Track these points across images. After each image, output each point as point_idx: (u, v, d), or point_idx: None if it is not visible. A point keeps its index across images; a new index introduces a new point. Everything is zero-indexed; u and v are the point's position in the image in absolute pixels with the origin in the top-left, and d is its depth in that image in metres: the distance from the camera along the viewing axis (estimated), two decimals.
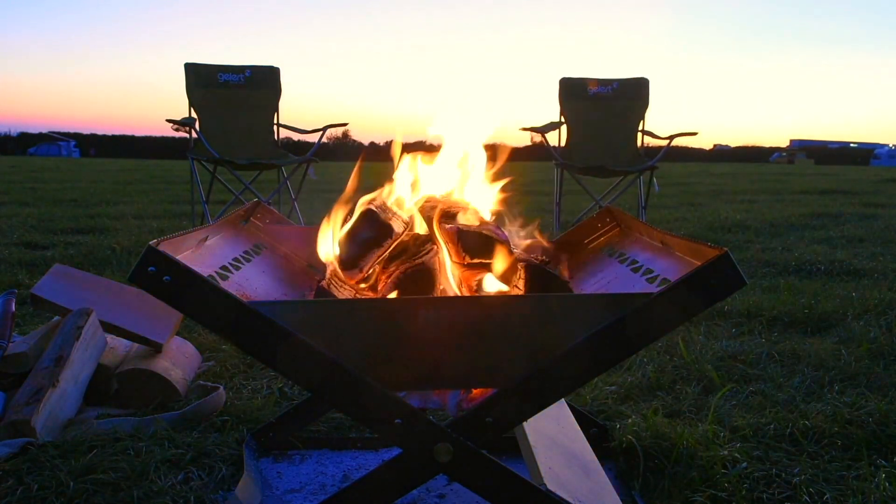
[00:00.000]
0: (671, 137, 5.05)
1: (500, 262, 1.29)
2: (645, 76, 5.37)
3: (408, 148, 1.50)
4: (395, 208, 1.40)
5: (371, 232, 1.31)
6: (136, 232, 5.09)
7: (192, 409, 1.80)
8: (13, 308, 1.93)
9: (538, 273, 1.35)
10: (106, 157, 38.83)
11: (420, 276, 1.28)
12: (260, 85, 5.17)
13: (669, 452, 1.57)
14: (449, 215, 1.40)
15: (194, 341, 2.32)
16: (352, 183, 1.42)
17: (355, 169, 1.48)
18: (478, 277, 1.31)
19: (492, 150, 1.52)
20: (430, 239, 1.37)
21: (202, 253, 1.24)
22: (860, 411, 1.80)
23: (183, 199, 7.79)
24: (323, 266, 1.40)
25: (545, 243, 1.55)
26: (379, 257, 1.33)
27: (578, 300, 1.17)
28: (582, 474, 1.35)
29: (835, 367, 2.19)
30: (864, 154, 55.34)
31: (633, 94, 5.36)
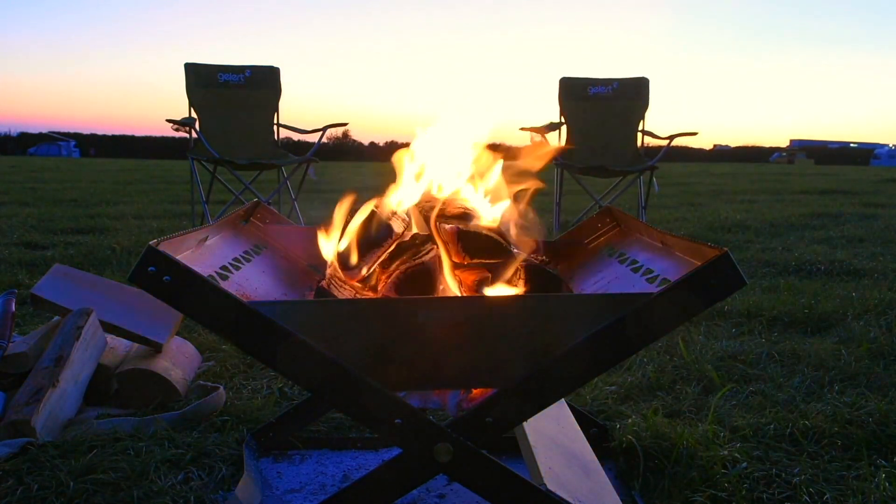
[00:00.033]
0: (671, 137, 5.05)
1: (499, 262, 1.29)
2: (645, 76, 5.38)
3: (409, 148, 1.50)
4: (395, 208, 1.40)
5: (371, 232, 1.31)
6: (136, 232, 5.09)
7: (192, 409, 1.80)
8: (13, 308, 1.93)
9: (538, 273, 1.35)
10: (106, 157, 38.84)
11: (420, 276, 1.28)
12: (260, 85, 5.18)
13: (669, 452, 1.57)
14: (449, 215, 1.40)
15: (194, 341, 2.32)
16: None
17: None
18: (478, 277, 1.31)
19: (493, 150, 1.52)
20: (430, 239, 1.37)
21: (202, 253, 1.24)
22: (860, 411, 1.80)
23: (183, 199, 7.79)
24: (323, 266, 1.40)
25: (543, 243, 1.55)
26: (379, 257, 1.33)
27: (578, 300, 1.17)
28: (582, 474, 1.35)
29: (835, 367, 2.19)
30: (864, 154, 55.35)
31: (633, 94, 5.36)
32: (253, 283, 1.29)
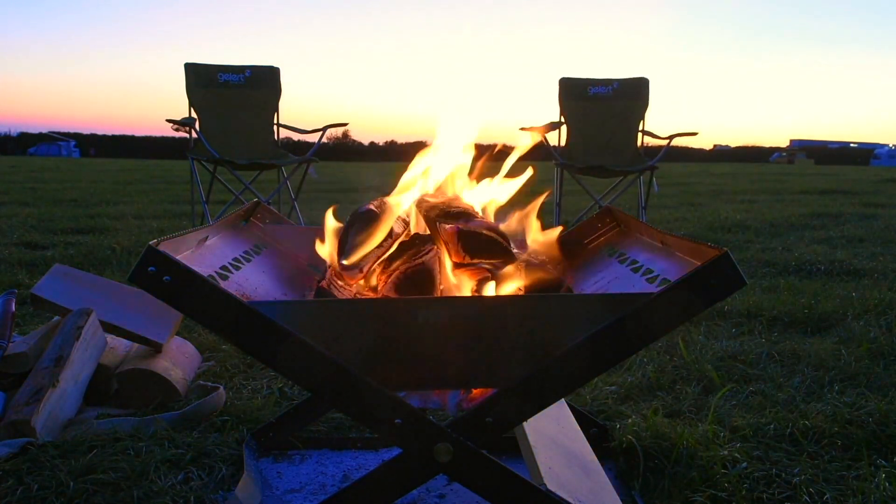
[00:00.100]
0: (671, 137, 5.05)
1: (499, 262, 1.29)
2: (645, 76, 5.38)
3: (409, 148, 1.50)
4: (395, 208, 1.40)
5: (371, 232, 1.31)
6: (136, 232, 5.09)
7: (192, 409, 1.80)
8: (13, 308, 1.93)
9: (537, 273, 1.35)
10: (106, 157, 38.85)
11: (420, 276, 1.28)
12: (260, 85, 5.17)
13: (669, 452, 1.57)
14: (449, 215, 1.40)
15: (194, 341, 2.32)
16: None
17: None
18: (478, 277, 1.31)
19: (493, 150, 1.52)
20: (430, 239, 1.37)
21: (202, 253, 1.24)
22: (860, 411, 1.80)
23: (183, 199, 7.79)
24: (323, 266, 1.40)
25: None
26: (379, 257, 1.33)
27: (578, 300, 1.17)
28: (582, 474, 1.35)
29: (835, 367, 2.19)
30: (864, 154, 55.37)
31: (633, 94, 5.36)
32: (253, 283, 1.29)
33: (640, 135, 5.28)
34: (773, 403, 1.90)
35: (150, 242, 1.00)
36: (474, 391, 1.34)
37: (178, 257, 1.02)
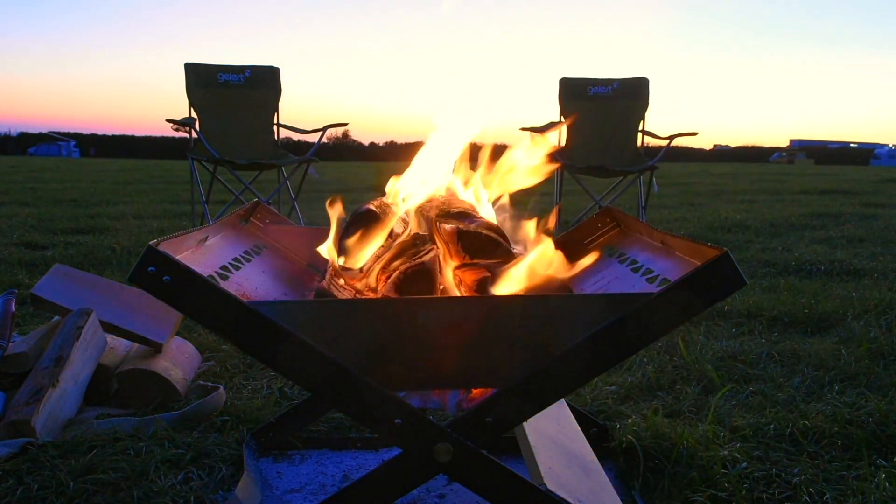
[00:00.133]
0: (671, 137, 5.05)
1: (499, 262, 1.29)
2: (645, 76, 5.38)
3: (409, 148, 1.50)
4: (395, 208, 1.40)
5: (371, 232, 1.31)
6: (136, 232, 5.09)
7: (192, 409, 1.80)
8: (13, 308, 1.93)
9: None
10: (106, 157, 38.85)
11: (420, 276, 1.27)
12: (260, 85, 5.17)
13: (669, 452, 1.57)
14: (449, 215, 1.40)
15: (194, 341, 2.32)
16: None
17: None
18: (478, 277, 1.30)
19: (493, 150, 1.52)
20: (430, 239, 1.37)
21: (202, 253, 1.24)
22: (860, 411, 1.80)
23: (183, 199, 7.79)
24: (323, 266, 1.40)
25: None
26: (379, 257, 1.33)
27: (578, 300, 1.17)
28: (582, 474, 1.35)
29: (835, 367, 2.19)
30: (864, 154, 55.38)
31: (633, 94, 5.36)
32: (253, 283, 1.29)
33: (640, 135, 5.28)
34: (773, 403, 1.90)
35: (150, 242, 1.00)
36: (474, 391, 1.34)
37: (178, 257, 1.02)
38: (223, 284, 1.11)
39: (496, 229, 1.34)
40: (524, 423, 1.35)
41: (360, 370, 1.05)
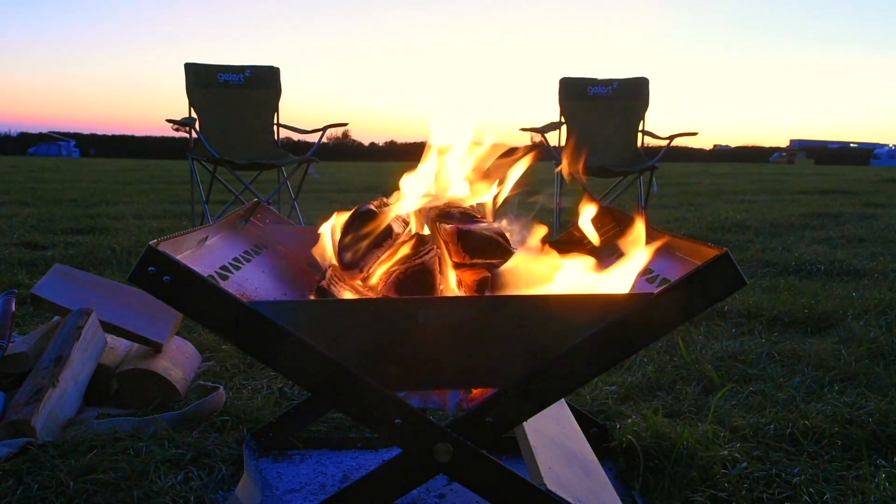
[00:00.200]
0: (671, 137, 5.05)
1: (499, 261, 1.29)
2: (645, 76, 5.38)
3: (409, 148, 1.50)
4: (395, 208, 1.40)
5: (371, 232, 1.31)
6: (136, 232, 5.09)
7: (192, 409, 1.80)
8: (13, 308, 1.93)
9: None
10: (106, 157, 38.86)
11: (420, 276, 1.27)
12: (260, 85, 5.18)
13: (669, 452, 1.57)
14: (449, 215, 1.40)
15: (194, 341, 2.32)
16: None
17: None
18: (478, 277, 1.31)
19: (493, 150, 1.52)
20: (430, 239, 1.37)
21: (202, 253, 1.24)
22: (860, 411, 1.80)
23: (183, 199, 7.79)
24: (323, 266, 1.40)
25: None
26: (379, 257, 1.33)
27: (578, 300, 1.17)
28: (582, 474, 1.35)
29: (835, 367, 2.19)
30: (864, 154, 55.40)
31: (633, 94, 5.36)
32: (253, 283, 1.29)
33: (640, 135, 5.29)
34: (773, 403, 1.90)
35: (150, 242, 1.00)
36: (474, 391, 1.34)
37: (178, 257, 1.02)
38: (223, 284, 1.11)
39: (496, 229, 1.34)
40: (524, 423, 1.35)
41: (360, 370, 1.05)
